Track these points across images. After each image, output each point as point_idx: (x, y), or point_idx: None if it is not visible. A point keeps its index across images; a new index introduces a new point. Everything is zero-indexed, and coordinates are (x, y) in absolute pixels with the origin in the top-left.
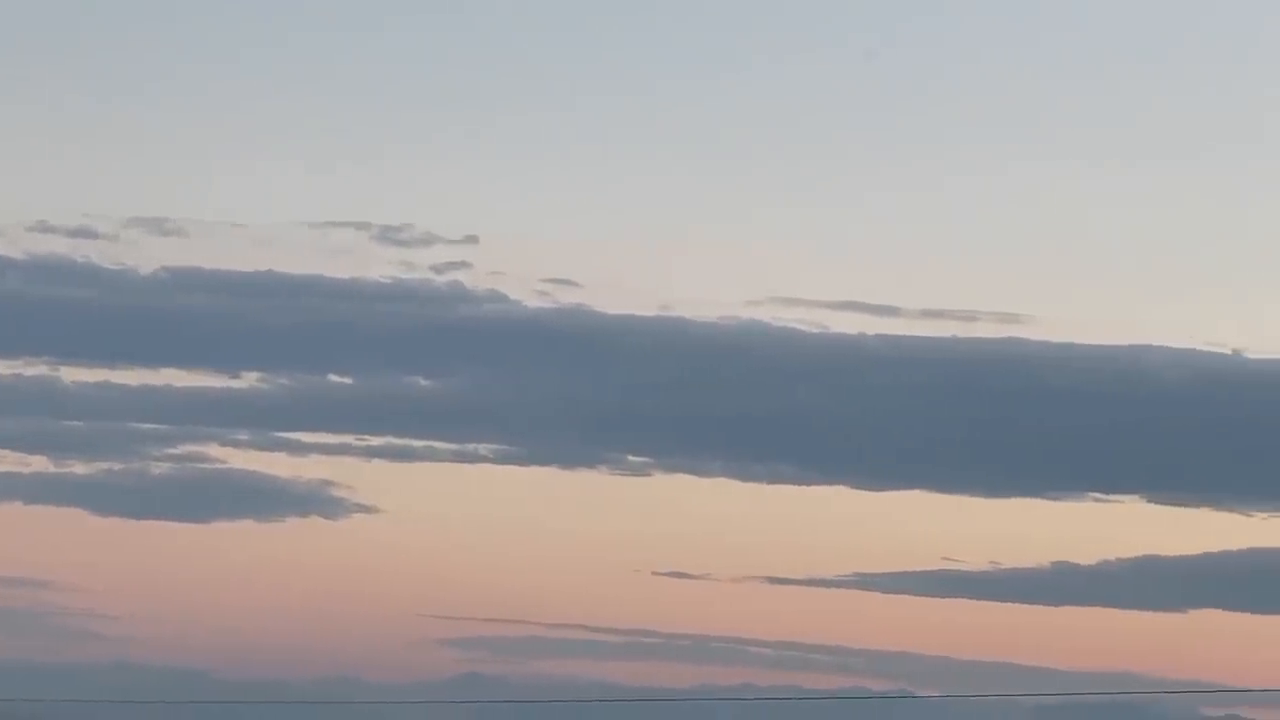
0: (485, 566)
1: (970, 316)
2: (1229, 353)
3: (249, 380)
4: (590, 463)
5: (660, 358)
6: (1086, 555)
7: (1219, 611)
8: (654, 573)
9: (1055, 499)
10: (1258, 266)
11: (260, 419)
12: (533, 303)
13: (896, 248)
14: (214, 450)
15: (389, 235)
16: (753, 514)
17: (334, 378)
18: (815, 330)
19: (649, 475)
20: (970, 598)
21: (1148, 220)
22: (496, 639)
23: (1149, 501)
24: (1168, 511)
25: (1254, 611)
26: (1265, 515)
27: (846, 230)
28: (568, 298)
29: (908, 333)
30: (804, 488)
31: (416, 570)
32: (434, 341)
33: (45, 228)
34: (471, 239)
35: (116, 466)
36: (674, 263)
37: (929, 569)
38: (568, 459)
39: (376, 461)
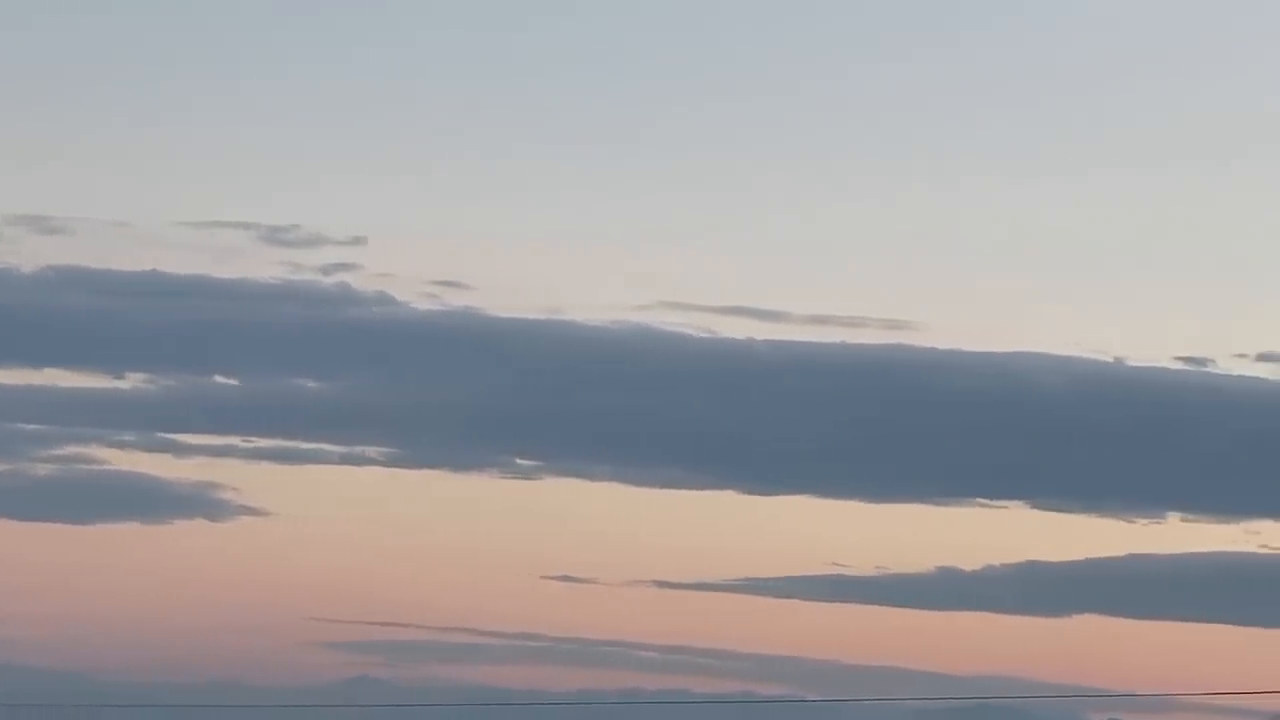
0: (373, 569)
1: (857, 322)
2: (1110, 360)
3: (133, 381)
4: (479, 466)
5: (549, 361)
6: (971, 560)
7: (1100, 616)
8: (542, 576)
9: (941, 504)
10: (1139, 275)
11: (145, 420)
12: (421, 305)
13: (785, 254)
14: (98, 451)
15: (276, 236)
16: (641, 518)
17: (220, 379)
18: (703, 335)
19: (538, 479)
20: (857, 602)
21: (1032, 229)
22: (384, 642)
23: (1032, 507)
24: (1050, 517)
25: (1134, 617)
26: (1145, 522)
27: (734, 236)
28: (456, 300)
29: (795, 338)
30: (692, 492)
31: (304, 573)
32: (321, 343)
33: None
34: (359, 240)
35: None
36: (563, 266)
37: (817, 574)
38: (456, 462)
39: (263, 463)
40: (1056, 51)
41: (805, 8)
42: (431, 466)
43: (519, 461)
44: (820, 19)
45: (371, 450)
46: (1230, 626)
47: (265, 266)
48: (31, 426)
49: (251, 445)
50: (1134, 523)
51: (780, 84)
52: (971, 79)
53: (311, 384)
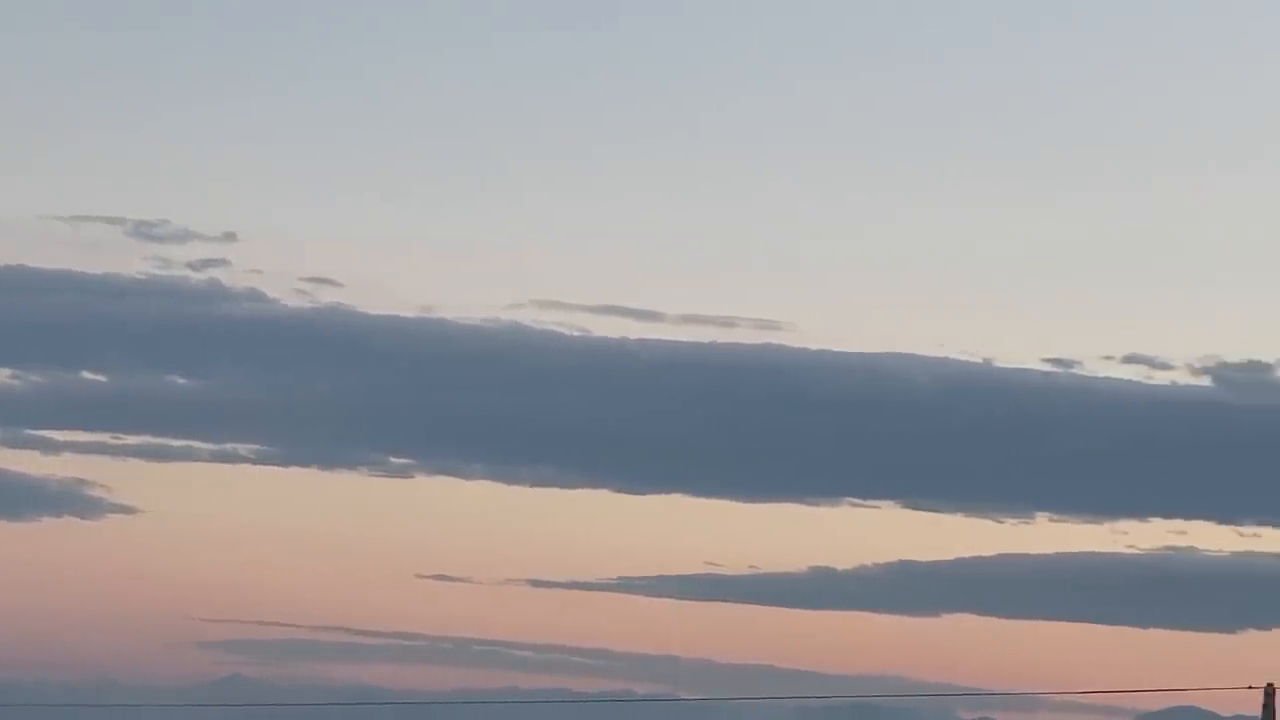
0: (246, 568)
1: (729, 322)
2: (979, 361)
3: (0, 376)
4: (351, 464)
5: (422, 359)
6: (844, 560)
7: (971, 615)
8: (416, 575)
9: (813, 504)
10: (1007, 277)
11: (11, 416)
12: (292, 302)
13: (658, 254)
14: None
15: (144, 231)
16: (515, 517)
17: (88, 375)
18: (577, 334)
19: (411, 477)
20: (731, 601)
21: (902, 231)
22: (258, 642)
23: (904, 507)
24: (922, 517)
25: (1004, 616)
26: (1015, 522)
27: (607, 235)
28: (328, 297)
29: (668, 337)
30: (566, 491)
31: (176, 572)
32: (191, 340)
33: None
34: (230, 236)
35: None
36: (435, 264)
37: (691, 573)
38: (328, 460)
39: (133, 461)
40: (920, 61)
41: (671, 15)
42: (303, 464)
43: (392, 460)
44: (691, 28)
45: (243, 448)
46: (1098, 626)
47: (134, 262)
48: None
49: (121, 442)
50: (1003, 523)
51: (652, 90)
52: (840, 87)
53: (182, 381)
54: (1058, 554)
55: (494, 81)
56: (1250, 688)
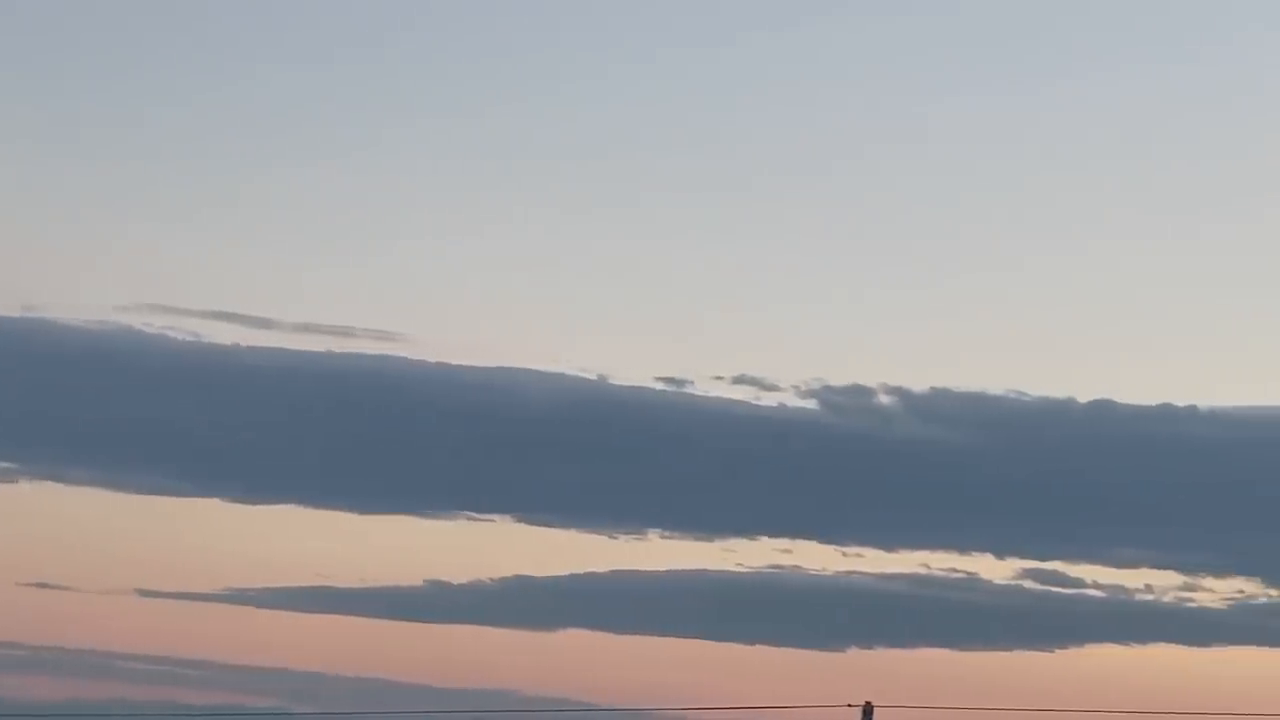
0: None
1: (345, 332)
2: (594, 378)
3: None
4: None
5: (26, 360)
6: (459, 574)
7: (586, 631)
8: (18, 583)
9: (428, 517)
10: (623, 294)
11: None
12: None
13: (273, 259)
14: None
15: None
16: (122, 525)
17: None
18: (188, 338)
19: (13, 482)
20: (344, 614)
21: (520, 246)
22: None
23: (519, 522)
24: (537, 532)
25: (618, 632)
26: (628, 538)
27: (221, 238)
28: None
29: (283, 345)
30: (176, 499)
31: None
32: None
33: None
34: None
35: None
36: (41, 262)
37: (302, 585)
38: None
39: None
40: (556, 74)
41: (313, 27)
42: None
43: None
44: (321, 38)
45: None
46: (708, 642)
47: None
48: None
49: None
50: (617, 539)
51: (269, 94)
52: (465, 99)
53: None
54: (669, 571)
55: (109, 81)
56: (850, 705)
